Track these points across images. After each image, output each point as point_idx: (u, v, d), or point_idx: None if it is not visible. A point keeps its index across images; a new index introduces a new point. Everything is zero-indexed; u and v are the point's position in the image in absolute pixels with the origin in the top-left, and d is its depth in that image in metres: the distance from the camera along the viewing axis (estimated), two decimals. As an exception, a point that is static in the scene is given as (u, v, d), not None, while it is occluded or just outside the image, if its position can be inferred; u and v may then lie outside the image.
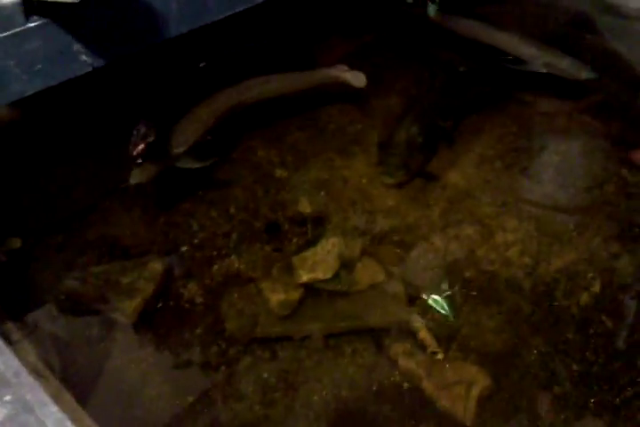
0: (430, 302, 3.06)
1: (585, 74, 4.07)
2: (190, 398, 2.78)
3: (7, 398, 1.92)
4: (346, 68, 4.10)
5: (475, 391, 2.70)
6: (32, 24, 2.42)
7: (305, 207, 3.56)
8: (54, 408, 1.88)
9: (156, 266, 3.15)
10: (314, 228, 3.44)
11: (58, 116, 3.70)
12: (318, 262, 3.10)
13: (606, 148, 3.83)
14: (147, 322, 3.03)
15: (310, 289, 3.11)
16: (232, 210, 3.55)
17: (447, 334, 2.97)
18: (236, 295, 3.11)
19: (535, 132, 3.97)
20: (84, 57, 2.63)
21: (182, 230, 3.43)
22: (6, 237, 3.27)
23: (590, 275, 3.17)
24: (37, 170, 3.60)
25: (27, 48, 2.44)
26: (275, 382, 2.83)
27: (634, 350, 2.88)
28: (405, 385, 2.81)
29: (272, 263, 3.23)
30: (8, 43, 2.39)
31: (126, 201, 3.51)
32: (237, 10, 2.98)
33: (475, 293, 3.11)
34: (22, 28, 2.40)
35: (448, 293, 3.09)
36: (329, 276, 3.07)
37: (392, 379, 2.84)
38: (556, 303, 3.06)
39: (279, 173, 3.77)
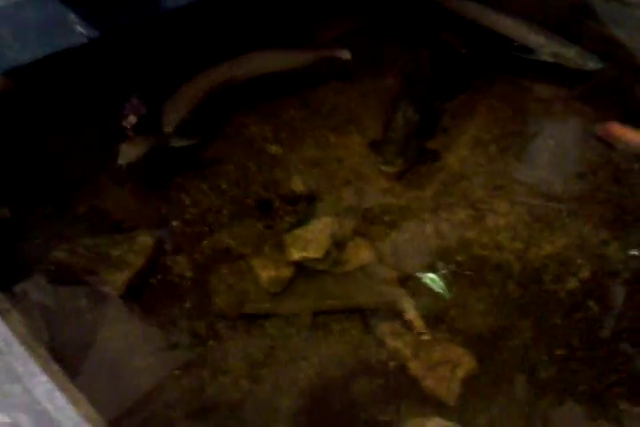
0: (426, 280, 3.07)
1: (592, 64, 4.03)
2: (177, 372, 2.80)
3: (-6, 366, 1.92)
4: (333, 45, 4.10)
5: (459, 373, 2.73)
6: (27, -7, 2.39)
7: (298, 185, 3.55)
8: (44, 378, 1.88)
9: (147, 240, 3.14)
10: (306, 206, 3.43)
11: (51, 87, 3.65)
12: (310, 241, 3.10)
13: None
14: (135, 295, 3.03)
15: (301, 267, 3.10)
16: (224, 186, 3.53)
17: (435, 316, 2.98)
18: (225, 271, 3.11)
19: (531, 116, 3.96)
20: (78, 27, 2.60)
21: (173, 205, 3.42)
22: (-5, 206, 3.25)
23: (580, 261, 3.19)
24: (29, 140, 3.56)
25: (21, 17, 2.42)
26: (262, 358, 2.84)
27: (618, 337, 2.91)
28: (391, 364, 2.83)
29: (263, 240, 3.23)
30: (2, 12, 2.35)
31: (118, 175, 3.46)
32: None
33: (464, 275, 3.12)
34: (17, -4, 2.37)
35: (443, 271, 3.09)
36: (320, 255, 3.07)
37: (378, 358, 2.85)
38: (544, 288, 3.07)
39: (273, 149, 3.75)
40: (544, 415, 2.70)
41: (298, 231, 3.17)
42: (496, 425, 2.68)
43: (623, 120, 3.77)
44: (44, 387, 1.88)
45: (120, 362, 2.82)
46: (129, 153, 3.27)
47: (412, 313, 2.97)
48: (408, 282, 3.12)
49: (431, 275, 3.09)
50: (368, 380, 2.79)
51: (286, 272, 3.04)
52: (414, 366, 2.78)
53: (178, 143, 3.49)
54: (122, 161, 3.25)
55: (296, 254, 3.05)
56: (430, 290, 3.07)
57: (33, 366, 1.93)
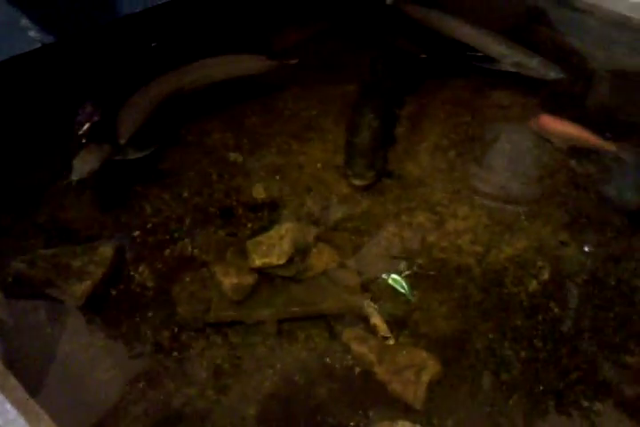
0: (390, 281, 3.09)
1: (554, 74, 4.11)
2: (141, 384, 2.76)
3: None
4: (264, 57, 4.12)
5: (425, 376, 2.74)
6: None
7: (260, 193, 3.54)
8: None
9: (107, 250, 3.10)
10: (269, 213, 3.43)
11: (5, 93, 3.58)
12: (272, 247, 3.09)
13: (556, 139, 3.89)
14: (96, 306, 2.99)
15: (264, 274, 3.09)
16: (186, 194, 3.51)
17: (399, 320, 3.00)
18: (188, 279, 3.08)
19: (489, 122, 4.02)
20: (32, 32, 2.56)
21: (135, 214, 3.39)
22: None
23: (539, 263, 3.24)
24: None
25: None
26: (227, 368, 2.82)
27: (579, 337, 2.95)
28: (357, 370, 2.83)
29: (226, 247, 3.22)
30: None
31: (77, 185, 3.40)
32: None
33: (426, 278, 3.14)
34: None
35: (407, 273, 3.11)
36: (283, 261, 3.06)
37: (344, 364, 2.86)
38: (505, 290, 3.11)
39: (234, 157, 3.75)
40: (510, 416, 2.72)
41: (260, 238, 3.16)
42: (463, 427, 2.71)
43: (578, 120, 3.86)
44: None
45: (82, 376, 2.77)
46: (82, 168, 3.20)
47: (376, 318, 2.98)
48: (372, 286, 3.13)
49: (394, 276, 3.11)
50: (335, 386, 2.79)
51: (249, 279, 3.03)
52: (380, 371, 2.79)
53: (133, 155, 3.44)
54: (75, 177, 3.18)
55: (258, 261, 3.04)
56: (394, 294, 3.09)
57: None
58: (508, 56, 4.21)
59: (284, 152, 3.80)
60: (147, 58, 4.08)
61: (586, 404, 2.73)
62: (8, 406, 1.84)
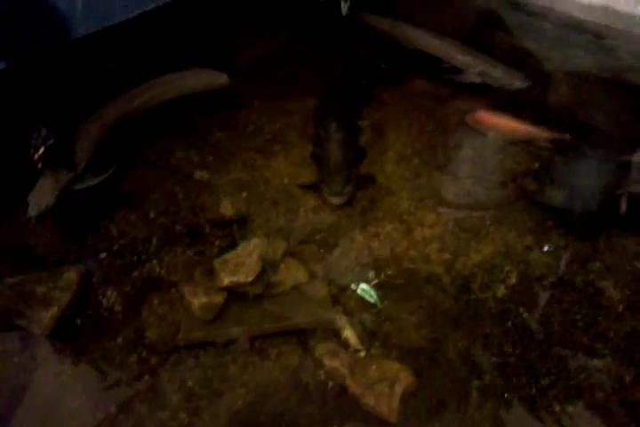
0: (359, 291, 3.10)
1: (518, 83, 4.16)
2: (113, 409, 2.73)
3: None
4: (210, 69, 4.11)
5: (398, 388, 2.74)
6: None
7: (227, 209, 3.53)
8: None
9: (72, 275, 3.07)
10: (237, 229, 3.41)
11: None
12: (240, 265, 3.07)
13: (519, 143, 3.92)
14: (64, 333, 2.95)
15: (234, 292, 3.07)
16: (152, 214, 3.49)
17: (370, 332, 3.00)
18: (156, 302, 3.06)
19: (451, 128, 4.05)
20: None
21: (100, 237, 3.36)
22: None
23: (507, 268, 3.26)
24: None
25: None
26: (199, 389, 2.80)
27: (549, 340, 2.98)
28: (330, 384, 2.83)
29: (194, 267, 3.19)
30: None
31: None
32: (146, 9, 2.91)
33: (395, 289, 3.15)
34: None
35: (375, 281, 3.11)
36: (251, 278, 3.04)
37: (317, 379, 2.85)
38: (474, 297, 3.13)
39: (199, 174, 3.73)
40: (484, 423, 2.73)
41: (227, 256, 3.14)
42: (438, 438, 2.72)
43: (538, 121, 3.91)
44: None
45: (53, 404, 2.73)
46: (38, 204, 3.13)
47: (347, 331, 2.98)
48: (342, 299, 3.13)
49: (363, 286, 3.12)
50: (309, 402, 2.78)
51: (218, 298, 3.01)
52: (353, 385, 2.78)
53: (90, 182, 3.39)
54: (33, 213, 3.11)
55: (226, 279, 3.02)
56: (364, 306, 3.09)
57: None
58: (473, 66, 4.23)
59: (250, 167, 3.79)
60: (104, 78, 4.04)
61: (558, 408, 2.75)
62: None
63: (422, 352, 2.92)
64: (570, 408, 2.75)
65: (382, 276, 3.20)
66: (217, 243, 3.36)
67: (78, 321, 2.99)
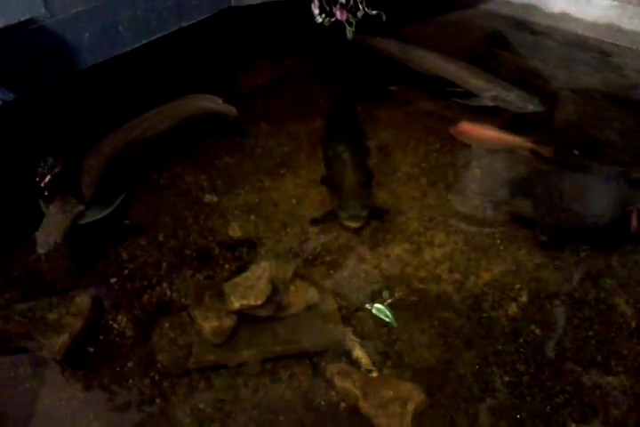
0: (374, 311, 3.07)
1: (532, 106, 4.16)
2: (125, 434, 2.73)
3: None
4: (217, 98, 4.14)
5: (410, 408, 2.72)
6: None
7: (236, 232, 3.55)
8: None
9: (84, 300, 3.08)
10: (246, 252, 3.43)
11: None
12: (250, 288, 3.07)
13: (526, 160, 3.93)
14: (76, 358, 2.95)
15: (244, 315, 3.08)
16: (161, 238, 3.51)
17: (381, 351, 2.99)
18: (167, 325, 3.06)
19: (458, 147, 4.06)
20: (-8, 92, 2.58)
21: (110, 262, 3.37)
22: None
23: (518, 286, 3.25)
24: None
25: None
26: (211, 412, 2.79)
27: (562, 358, 2.95)
28: (342, 405, 2.81)
29: (204, 291, 3.19)
30: None
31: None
32: (152, 38, 2.96)
33: (408, 309, 3.14)
34: None
35: (389, 301, 3.10)
36: (261, 301, 3.04)
37: (329, 400, 2.84)
38: (485, 315, 3.11)
39: (208, 198, 3.76)
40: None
41: (237, 279, 3.15)
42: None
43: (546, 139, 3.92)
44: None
45: (65, 429, 2.74)
46: (47, 241, 3.14)
47: (358, 351, 2.97)
48: (352, 320, 3.12)
49: (378, 305, 3.10)
50: (321, 423, 2.77)
51: (229, 322, 3.01)
52: (365, 406, 2.77)
53: (98, 215, 3.41)
54: (41, 250, 3.11)
55: (236, 303, 3.02)
56: (375, 326, 3.08)
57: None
58: (487, 90, 4.25)
59: (258, 190, 3.82)
60: (109, 106, 4.09)
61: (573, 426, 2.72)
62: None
63: (434, 372, 2.90)
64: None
65: (395, 295, 3.19)
66: (226, 266, 3.37)
67: (90, 346, 3.00)
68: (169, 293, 3.24)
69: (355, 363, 2.94)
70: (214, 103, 4.13)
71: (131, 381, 2.88)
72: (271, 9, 4.16)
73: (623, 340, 3.01)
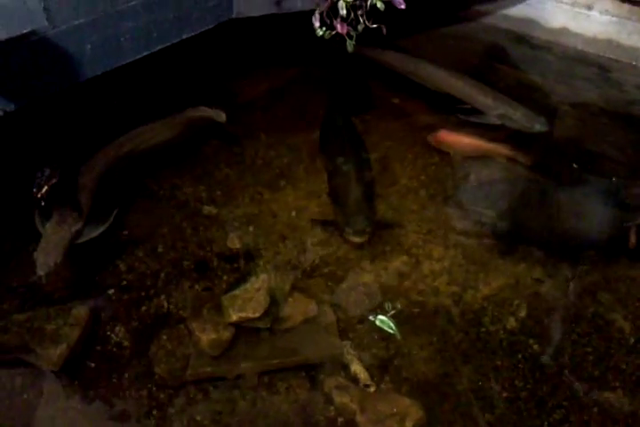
0: (377, 322, 3.06)
1: (539, 126, 4.17)
2: (121, 446, 2.71)
3: None
4: (205, 108, 4.19)
5: (408, 424, 2.71)
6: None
7: (234, 243, 3.54)
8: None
9: (81, 311, 3.07)
10: (245, 263, 3.42)
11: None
12: (248, 301, 3.07)
13: (525, 173, 3.94)
14: (73, 369, 2.94)
15: (242, 327, 3.07)
16: (160, 249, 3.50)
17: (380, 366, 2.98)
18: (165, 337, 3.05)
19: (456, 160, 4.07)
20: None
21: (109, 272, 3.36)
22: None
23: (516, 301, 3.25)
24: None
25: None
26: (208, 424, 2.78)
27: (560, 373, 2.95)
28: (340, 420, 2.80)
29: (202, 303, 3.19)
30: None
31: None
32: (153, 50, 2.96)
33: (406, 323, 3.13)
34: None
35: (392, 312, 3.09)
36: (259, 314, 3.04)
37: (326, 414, 2.83)
38: (484, 330, 3.11)
39: (207, 209, 3.75)
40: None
41: (235, 292, 3.14)
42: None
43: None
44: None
45: (61, 441, 2.72)
46: (46, 263, 3.16)
47: (356, 365, 2.96)
48: (350, 333, 3.12)
49: (381, 317, 3.09)
50: (318, 438, 2.76)
51: (226, 334, 3.00)
52: (363, 421, 2.76)
53: (94, 233, 3.43)
54: (42, 272, 3.14)
55: (234, 316, 3.02)
56: (373, 340, 3.08)
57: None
58: (493, 108, 4.25)
59: (257, 201, 3.82)
60: (107, 117, 4.10)
61: (572, 443, 2.71)
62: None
63: (432, 386, 2.90)
64: (583, 443, 2.71)
65: (397, 308, 3.18)
66: (224, 277, 3.36)
67: (87, 357, 2.99)
68: (167, 304, 3.23)
69: (353, 377, 2.93)
70: (202, 111, 4.17)
71: (128, 392, 2.86)
72: (272, 21, 4.18)
73: (621, 355, 3.01)
